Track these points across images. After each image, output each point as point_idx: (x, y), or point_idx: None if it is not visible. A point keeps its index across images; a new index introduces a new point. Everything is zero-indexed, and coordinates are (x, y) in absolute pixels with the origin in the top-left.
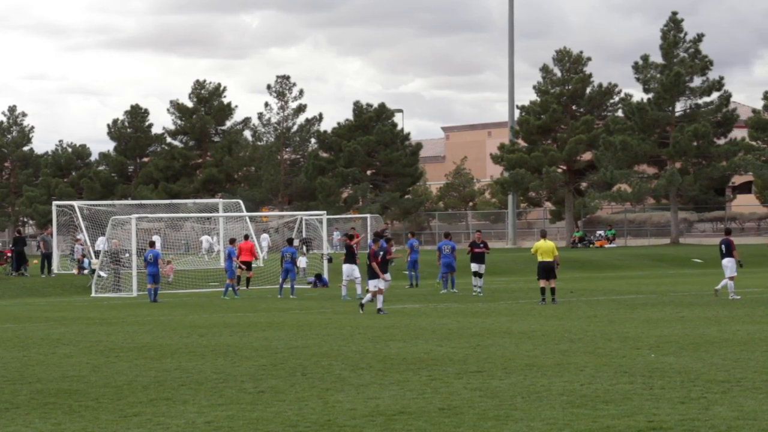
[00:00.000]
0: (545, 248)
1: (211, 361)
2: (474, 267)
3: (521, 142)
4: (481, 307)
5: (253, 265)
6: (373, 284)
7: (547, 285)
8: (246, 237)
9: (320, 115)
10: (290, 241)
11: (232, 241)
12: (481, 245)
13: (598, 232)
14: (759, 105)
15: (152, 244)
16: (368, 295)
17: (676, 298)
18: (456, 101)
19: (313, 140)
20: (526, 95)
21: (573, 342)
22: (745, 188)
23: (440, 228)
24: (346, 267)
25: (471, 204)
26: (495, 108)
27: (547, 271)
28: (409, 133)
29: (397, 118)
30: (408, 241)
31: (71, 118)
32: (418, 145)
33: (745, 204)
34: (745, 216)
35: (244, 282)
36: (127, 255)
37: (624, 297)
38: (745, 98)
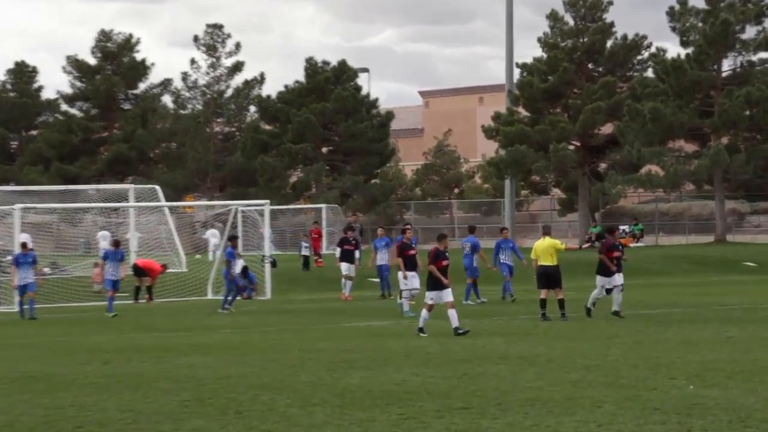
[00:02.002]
0: (543, 248)
1: (116, 395)
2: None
3: (522, 111)
4: (470, 324)
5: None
6: (430, 297)
7: (549, 296)
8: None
9: (262, 75)
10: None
11: (117, 244)
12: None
13: (622, 228)
14: None
15: (24, 245)
16: (423, 312)
17: (722, 313)
18: (437, 58)
19: (252, 108)
20: (530, 50)
21: (588, 370)
22: None
23: (416, 222)
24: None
25: (457, 191)
26: (488, 67)
27: (549, 278)
28: (377, 100)
29: (362, 80)
30: (375, 240)
31: None
32: (389, 115)
33: None
34: None
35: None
36: (9, 258)
37: (655, 311)
38: None
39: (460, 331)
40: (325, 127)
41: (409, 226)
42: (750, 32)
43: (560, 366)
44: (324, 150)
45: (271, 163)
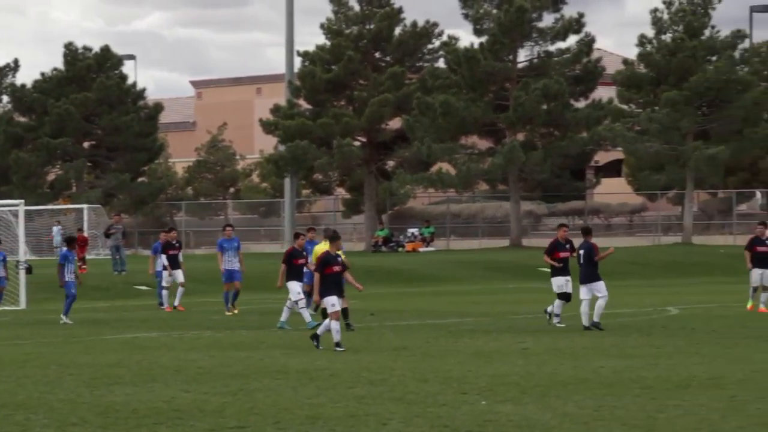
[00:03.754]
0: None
1: None
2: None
3: (303, 104)
4: (245, 335)
5: None
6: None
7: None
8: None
9: (16, 62)
10: None
11: (71, 241)
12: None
13: (411, 231)
14: (632, 53)
15: None
16: (335, 324)
17: (517, 323)
18: (211, 44)
19: (5, 98)
20: (312, 37)
21: (373, 385)
22: (612, 169)
23: (188, 224)
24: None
25: (232, 190)
26: (267, 55)
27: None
28: (144, 90)
29: (128, 68)
30: (155, 243)
31: None
32: (158, 107)
33: (612, 191)
34: (612, 208)
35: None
36: None
37: (446, 321)
38: (613, 44)
39: (340, 348)
40: (86, 119)
41: (313, 229)
42: (547, 20)
43: (343, 380)
44: (86, 145)
45: (27, 159)
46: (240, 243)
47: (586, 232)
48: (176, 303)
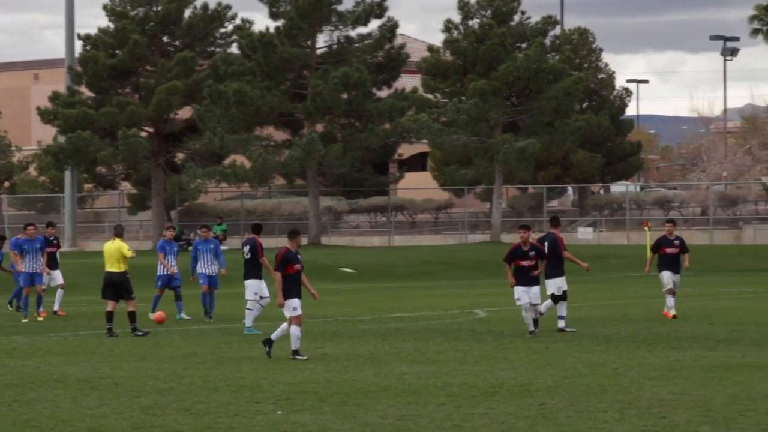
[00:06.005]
0: (109, 253)
1: None
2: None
3: (86, 91)
4: (20, 342)
5: None
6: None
7: (117, 308)
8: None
9: None
10: None
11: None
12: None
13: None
14: (437, 40)
15: None
16: (295, 329)
17: (315, 327)
18: None
19: None
20: (94, 20)
21: (161, 394)
22: (416, 163)
23: None
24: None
25: (7, 184)
26: (45, 38)
27: (115, 287)
28: None
29: None
30: (13, 239)
31: None
32: None
33: (417, 186)
34: (417, 204)
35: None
36: None
37: (239, 325)
38: (417, 30)
39: (301, 357)
40: None
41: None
42: (348, 3)
43: (128, 390)
44: None
45: None
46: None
47: (554, 222)
48: (56, 308)
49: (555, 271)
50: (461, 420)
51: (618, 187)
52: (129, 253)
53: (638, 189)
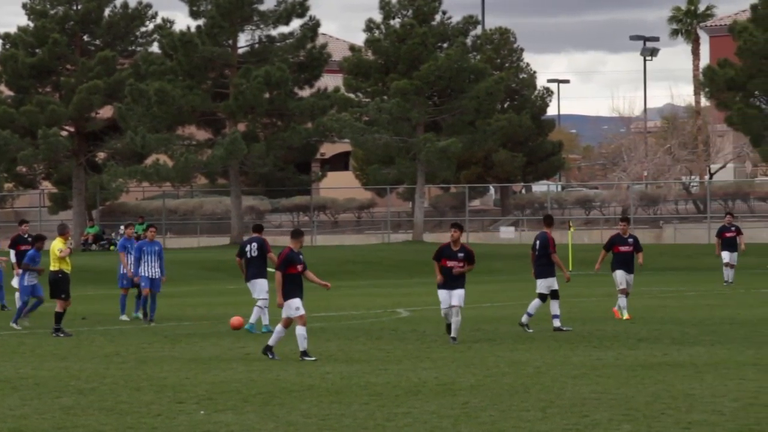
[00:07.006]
0: (51, 252)
1: None
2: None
3: (5, 90)
4: None
5: None
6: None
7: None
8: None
9: None
10: None
11: (40, 240)
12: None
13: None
14: (359, 39)
15: None
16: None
17: None
18: None
19: None
20: (14, 18)
21: (82, 394)
22: (339, 162)
23: None
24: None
25: None
26: None
27: (50, 285)
28: None
29: None
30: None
31: None
32: None
33: (339, 186)
34: (339, 204)
35: None
36: None
37: (161, 325)
38: (339, 29)
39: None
40: None
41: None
42: (269, 2)
43: (50, 390)
44: None
45: None
46: None
47: (547, 221)
48: None
49: (545, 270)
50: (384, 419)
51: (539, 187)
52: (57, 252)
53: (559, 188)
